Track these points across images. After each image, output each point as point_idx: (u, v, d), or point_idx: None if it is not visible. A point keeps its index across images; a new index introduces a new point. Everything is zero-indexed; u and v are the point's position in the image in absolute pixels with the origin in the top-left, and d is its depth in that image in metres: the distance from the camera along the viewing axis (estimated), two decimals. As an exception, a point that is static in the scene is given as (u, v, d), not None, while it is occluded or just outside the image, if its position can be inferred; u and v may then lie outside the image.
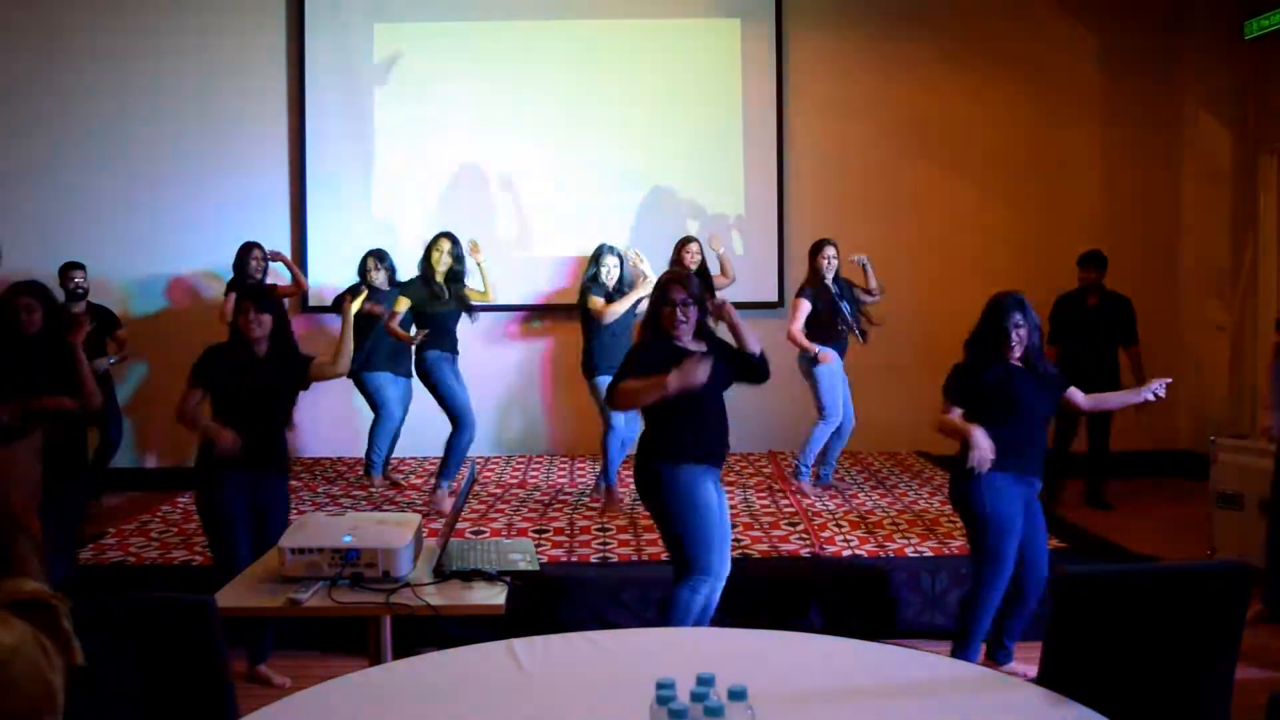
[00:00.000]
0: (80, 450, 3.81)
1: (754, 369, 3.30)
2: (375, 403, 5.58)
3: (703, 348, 3.23)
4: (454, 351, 5.22)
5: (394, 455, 6.02)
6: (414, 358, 5.26)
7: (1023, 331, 3.30)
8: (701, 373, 2.97)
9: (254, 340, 3.50)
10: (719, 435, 3.28)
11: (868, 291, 5.46)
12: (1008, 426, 3.30)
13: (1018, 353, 3.33)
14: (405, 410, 5.74)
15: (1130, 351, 5.81)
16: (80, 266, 5.74)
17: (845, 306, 5.28)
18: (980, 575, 3.41)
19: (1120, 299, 5.84)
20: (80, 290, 5.72)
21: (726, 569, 3.32)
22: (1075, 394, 3.48)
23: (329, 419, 6.54)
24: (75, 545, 3.94)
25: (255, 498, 3.52)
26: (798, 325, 5.21)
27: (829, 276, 5.28)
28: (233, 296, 5.32)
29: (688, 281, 3.25)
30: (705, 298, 3.29)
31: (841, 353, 5.29)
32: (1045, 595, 3.56)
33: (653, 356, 3.17)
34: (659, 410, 3.18)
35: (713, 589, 3.28)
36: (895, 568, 4.12)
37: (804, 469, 5.36)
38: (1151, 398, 3.40)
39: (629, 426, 5.00)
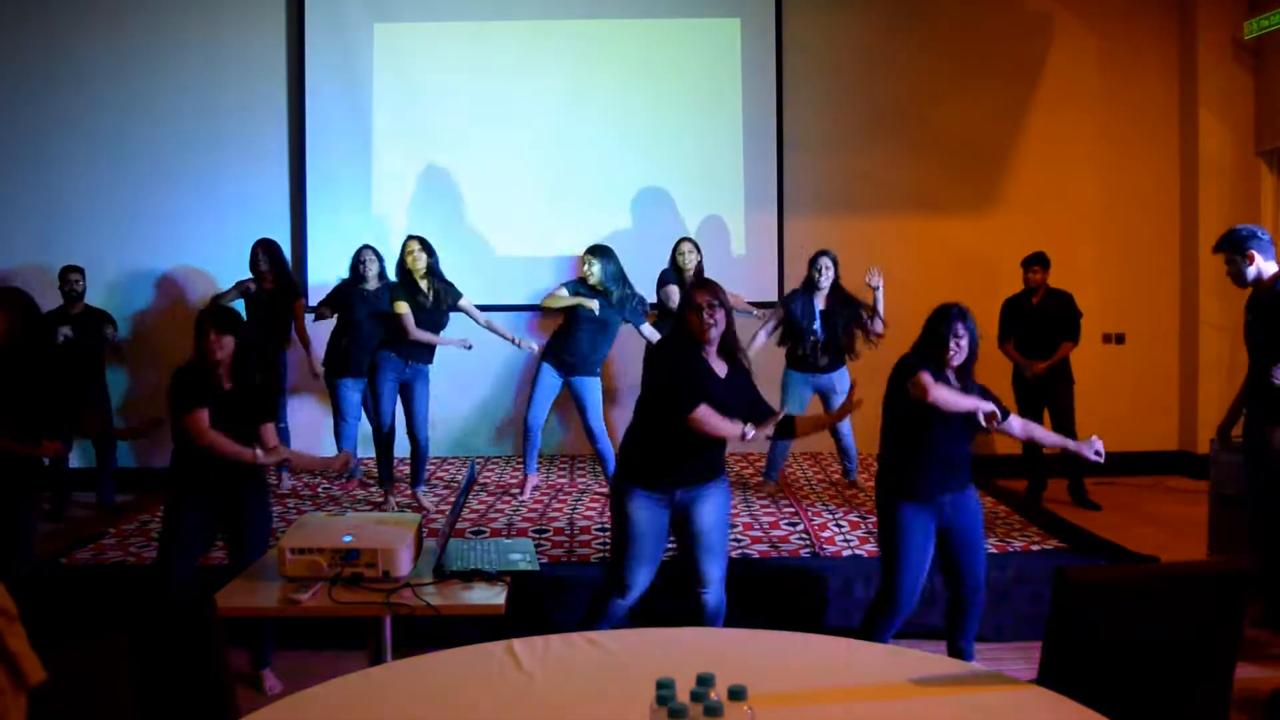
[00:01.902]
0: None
1: (760, 415, 3.21)
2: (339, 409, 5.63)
3: (723, 371, 3.16)
4: (416, 360, 5.21)
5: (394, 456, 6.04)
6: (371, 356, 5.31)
7: (963, 342, 3.24)
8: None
9: (216, 364, 3.32)
10: (694, 462, 3.17)
11: (874, 314, 5.27)
12: (925, 441, 3.24)
13: (956, 360, 3.24)
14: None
15: (1063, 345, 5.78)
16: (79, 270, 5.82)
17: (821, 322, 5.27)
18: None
19: (1063, 296, 5.86)
20: (76, 293, 5.78)
21: (725, 579, 3.31)
22: (1011, 423, 3.35)
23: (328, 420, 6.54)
24: (28, 546, 3.84)
25: (228, 513, 3.44)
26: (764, 331, 5.36)
27: (823, 287, 5.27)
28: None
29: (714, 287, 3.16)
30: (731, 306, 3.24)
31: (806, 367, 5.32)
32: (1044, 595, 3.55)
33: (687, 363, 3.12)
34: (646, 426, 3.17)
35: (717, 595, 3.29)
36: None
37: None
38: (1093, 457, 3.23)
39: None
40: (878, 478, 3.45)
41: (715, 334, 3.09)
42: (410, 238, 5.30)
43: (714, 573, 3.27)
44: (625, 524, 3.20)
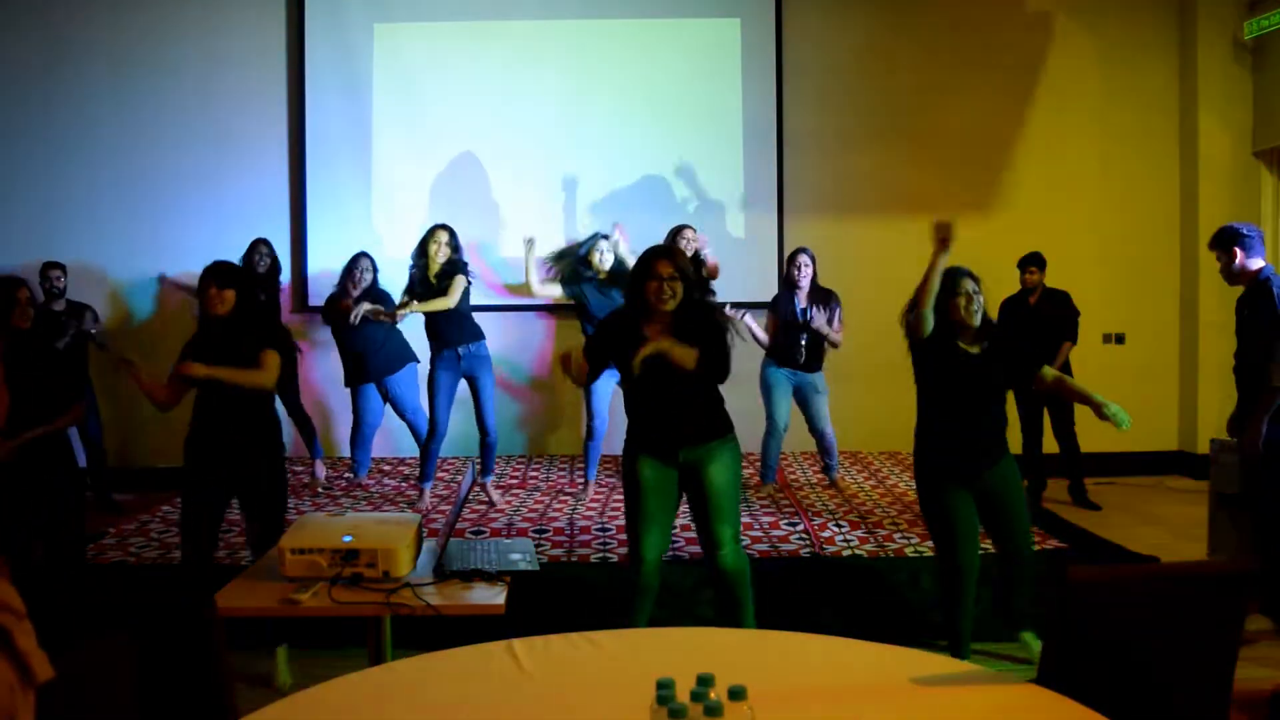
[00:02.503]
0: (64, 444, 3.80)
1: (716, 362, 3.15)
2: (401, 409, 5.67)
3: (661, 346, 3.09)
4: (465, 342, 5.15)
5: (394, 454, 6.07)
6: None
7: (976, 295, 3.37)
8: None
9: (218, 318, 3.45)
10: (668, 423, 3.20)
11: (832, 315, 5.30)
12: (953, 406, 3.37)
13: (977, 318, 3.41)
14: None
15: (1063, 346, 5.75)
16: (60, 266, 5.74)
17: (804, 320, 5.25)
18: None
19: (1060, 295, 5.85)
20: (57, 290, 5.70)
21: (739, 538, 3.37)
22: (1045, 370, 3.53)
23: (335, 420, 6.54)
24: (74, 542, 3.88)
25: (239, 480, 3.51)
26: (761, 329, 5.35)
27: (803, 285, 5.26)
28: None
29: (675, 255, 3.18)
30: (696, 278, 3.26)
31: (789, 363, 5.29)
32: (1044, 595, 3.56)
33: (612, 337, 3.23)
34: (627, 397, 3.31)
35: (735, 555, 3.32)
36: (895, 568, 4.12)
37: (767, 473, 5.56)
38: (1110, 413, 3.21)
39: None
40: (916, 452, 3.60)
41: (669, 304, 3.14)
42: (440, 226, 5.23)
43: (726, 533, 3.29)
44: (631, 486, 3.27)
